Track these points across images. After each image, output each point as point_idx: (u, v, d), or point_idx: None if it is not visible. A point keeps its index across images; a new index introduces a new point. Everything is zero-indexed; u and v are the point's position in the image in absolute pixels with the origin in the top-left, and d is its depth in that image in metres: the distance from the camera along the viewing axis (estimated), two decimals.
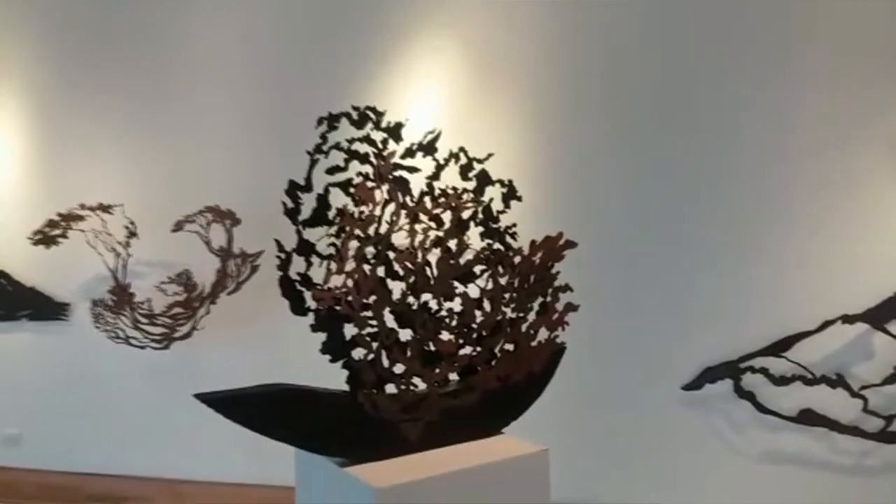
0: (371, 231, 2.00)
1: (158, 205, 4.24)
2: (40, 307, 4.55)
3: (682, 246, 3.69)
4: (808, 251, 3.51)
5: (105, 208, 4.15)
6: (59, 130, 4.66)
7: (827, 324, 3.40)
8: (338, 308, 1.87)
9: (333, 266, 1.94)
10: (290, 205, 1.95)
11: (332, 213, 2.03)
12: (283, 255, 1.93)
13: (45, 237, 4.20)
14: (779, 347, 3.51)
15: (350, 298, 1.87)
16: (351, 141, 2.07)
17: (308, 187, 1.97)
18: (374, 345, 1.92)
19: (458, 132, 4.00)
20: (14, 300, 4.60)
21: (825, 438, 3.46)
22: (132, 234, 4.13)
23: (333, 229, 2.00)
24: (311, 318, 1.91)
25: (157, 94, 4.42)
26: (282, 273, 1.90)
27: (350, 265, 1.93)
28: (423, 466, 1.81)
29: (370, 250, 1.98)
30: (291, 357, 4.12)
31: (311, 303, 1.94)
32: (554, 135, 3.91)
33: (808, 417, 3.45)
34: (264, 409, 1.82)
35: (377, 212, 2.02)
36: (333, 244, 1.98)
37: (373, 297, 1.93)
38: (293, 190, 1.96)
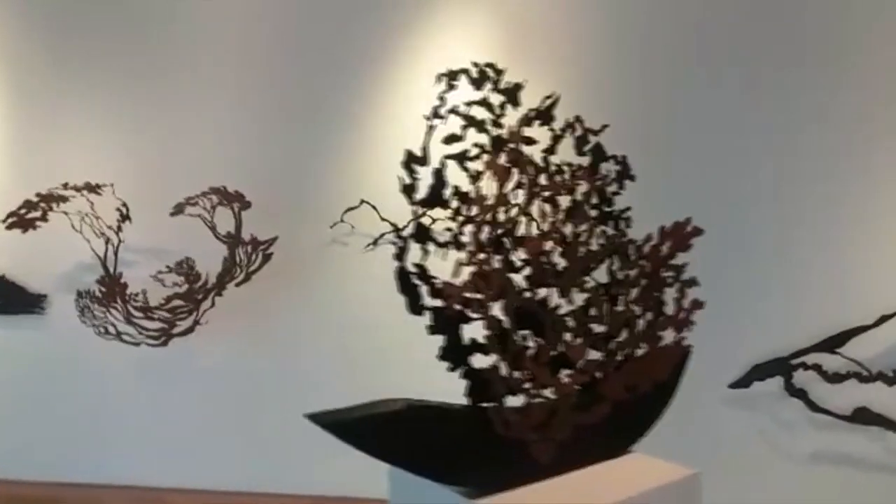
0: (495, 215, 1.65)
1: (154, 185, 3.81)
2: (11, 299, 4.04)
3: (729, 236, 3.48)
4: (865, 241, 3.35)
5: (93, 188, 3.69)
6: (37, 103, 4.14)
7: (884, 318, 3.25)
8: (463, 307, 1.54)
9: (460, 256, 1.60)
10: (407, 180, 1.61)
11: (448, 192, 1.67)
12: (399, 242, 1.58)
13: (21, 220, 3.71)
14: (833, 343, 3.35)
15: (477, 295, 1.54)
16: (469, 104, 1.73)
17: (425, 159, 1.63)
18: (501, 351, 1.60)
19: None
20: None
21: (880, 438, 3.32)
22: (125, 218, 3.68)
23: (449, 212, 1.65)
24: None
25: (154, 67, 3.97)
26: (399, 264, 1.56)
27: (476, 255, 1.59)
28: (570, 500, 1.51)
29: (495, 238, 1.65)
30: (305, 355, 3.77)
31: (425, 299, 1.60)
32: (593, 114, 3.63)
33: (862, 416, 3.29)
34: (389, 431, 1.49)
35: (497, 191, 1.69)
36: (449, 229, 1.64)
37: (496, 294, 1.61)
38: (410, 162, 1.62)
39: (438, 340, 3.48)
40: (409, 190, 1.61)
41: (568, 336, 1.73)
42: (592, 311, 1.77)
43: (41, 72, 4.15)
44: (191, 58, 3.94)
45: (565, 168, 1.83)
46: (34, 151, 4.09)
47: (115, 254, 3.68)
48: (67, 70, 4.11)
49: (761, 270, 3.43)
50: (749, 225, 3.46)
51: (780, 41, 3.38)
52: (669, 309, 1.88)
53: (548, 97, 1.84)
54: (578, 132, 1.89)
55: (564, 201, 1.82)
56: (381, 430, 1.48)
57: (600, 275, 1.86)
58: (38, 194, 3.72)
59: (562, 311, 1.75)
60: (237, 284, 3.59)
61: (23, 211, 3.71)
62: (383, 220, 3.66)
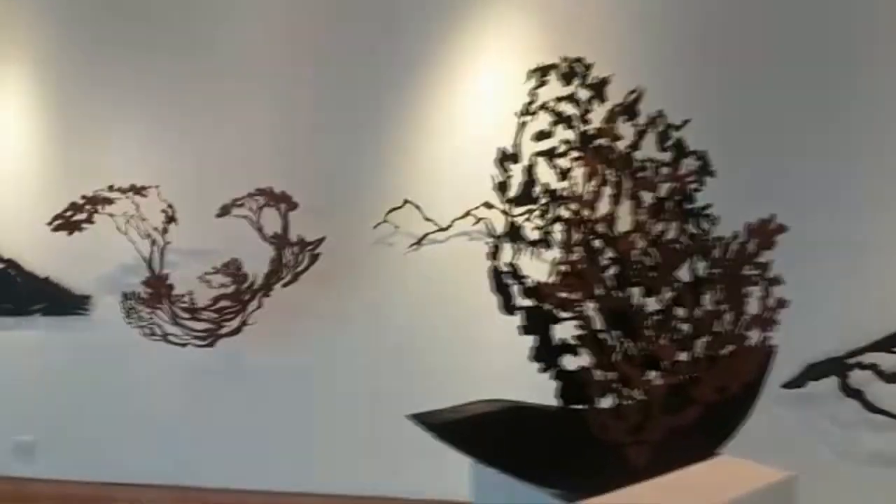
0: (587, 213, 1.63)
1: (200, 187, 3.81)
2: (56, 300, 4.06)
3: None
4: None
5: (138, 190, 3.69)
6: (82, 106, 4.16)
7: None
8: (558, 307, 1.52)
9: (550, 255, 1.58)
10: (501, 177, 1.59)
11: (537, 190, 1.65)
12: (493, 241, 1.56)
13: (67, 222, 3.73)
14: (890, 342, 3.28)
15: (573, 295, 1.52)
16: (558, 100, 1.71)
17: (517, 157, 1.61)
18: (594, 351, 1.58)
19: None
20: (25, 293, 4.10)
21: None
22: (171, 219, 3.68)
23: (538, 210, 1.62)
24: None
25: (199, 68, 3.96)
26: (493, 263, 1.54)
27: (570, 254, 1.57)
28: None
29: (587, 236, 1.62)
30: (351, 356, 3.76)
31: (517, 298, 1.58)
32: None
33: None
34: (489, 433, 1.47)
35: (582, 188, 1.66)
36: (539, 228, 1.62)
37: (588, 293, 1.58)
38: (503, 160, 1.60)
39: (484, 340, 3.46)
40: (502, 188, 1.59)
41: (657, 336, 1.69)
42: (679, 311, 1.74)
43: (85, 74, 4.16)
44: (236, 59, 3.93)
45: (649, 164, 1.80)
46: (78, 154, 4.11)
47: (161, 255, 3.68)
48: (111, 72, 4.12)
49: (816, 267, 3.37)
50: (804, 220, 3.39)
51: (857, 39, 3.31)
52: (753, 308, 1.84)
53: (632, 92, 1.81)
54: (660, 127, 1.86)
55: (648, 198, 1.79)
56: (481, 431, 1.46)
57: (682, 273, 1.83)
58: (83, 196, 3.74)
59: (649, 310, 1.72)
60: (284, 285, 3.57)
61: (68, 213, 3.73)
62: (427, 219, 3.64)
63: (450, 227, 3.63)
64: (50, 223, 3.74)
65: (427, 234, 3.66)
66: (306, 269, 3.56)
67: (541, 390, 3.23)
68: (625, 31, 3.57)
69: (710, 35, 3.46)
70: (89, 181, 3.81)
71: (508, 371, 3.46)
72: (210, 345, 3.63)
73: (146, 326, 3.64)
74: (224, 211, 3.55)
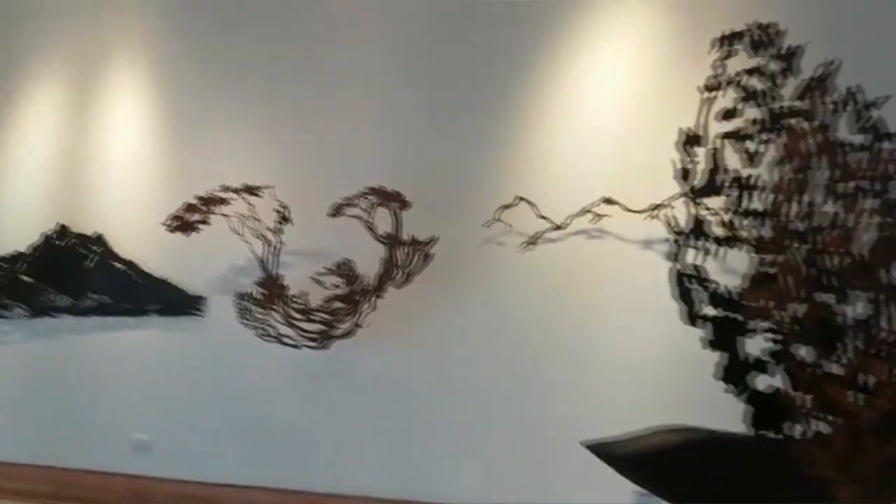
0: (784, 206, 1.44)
1: (311, 187, 3.79)
2: (172, 301, 4.13)
3: None
4: None
5: (252, 190, 3.70)
6: (196, 108, 4.23)
7: None
8: (756, 317, 1.33)
9: (742, 256, 1.40)
10: (684, 164, 1.42)
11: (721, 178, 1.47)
12: (676, 239, 1.40)
13: (183, 223, 3.78)
14: None
15: (770, 303, 1.33)
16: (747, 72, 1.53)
17: (699, 138, 1.44)
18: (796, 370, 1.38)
19: (649, 97, 3.49)
20: (142, 293, 4.19)
21: None
22: (284, 220, 3.67)
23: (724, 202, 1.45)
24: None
25: (310, 66, 3.96)
26: (674, 265, 1.38)
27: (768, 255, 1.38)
28: None
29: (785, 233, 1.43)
30: (462, 359, 3.64)
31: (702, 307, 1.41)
32: None
33: None
34: (677, 466, 1.30)
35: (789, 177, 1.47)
36: (724, 223, 1.44)
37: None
38: (687, 143, 1.43)
39: (603, 344, 3.25)
40: (684, 175, 1.42)
41: (865, 351, 1.48)
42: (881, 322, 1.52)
43: (198, 76, 4.24)
44: (348, 57, 3.91)
45: (847, 148, 1.59)
46: (193, 155, 4.18)
47: (276, 255, 3.68)
48: (225, 74, 4.18)
49: None
50: None
51: None
52: None
53: (829, 63, 1.61)
54: (858, 104, 1.64)
55: (849, 188, 1.58)
56: (664, 465, 1.29)
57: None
58: (198, 197, 3.78)
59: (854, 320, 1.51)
60: (398, 286, 3.50)
61: (184, 214, 3.78)
62: (541, 217, 3.49)
63: (566, 225, 3.47)
64: (166, 224, 3.80)
65: (541, 233, 3.51)
66: (419, 269, 3.48)
67: (667, 403, 3.04)
68: None
69: None
70: (204, 182, 3.85)
71: (630, 377, 3.29)
72: (324, 347, 3.60)
73: (260, 327, 3.64)
74: (336, 210, 3.52)
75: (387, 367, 3.67)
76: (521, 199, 3.53)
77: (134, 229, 4.24)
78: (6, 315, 4.46)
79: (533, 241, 3.52)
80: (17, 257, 4.46)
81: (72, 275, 4.30)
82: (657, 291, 3.22)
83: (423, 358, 3.63)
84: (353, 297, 3.53)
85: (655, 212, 3.30)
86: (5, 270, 4.45)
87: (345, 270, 3.53)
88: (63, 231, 4.37)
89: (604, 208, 3.40)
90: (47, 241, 4.40)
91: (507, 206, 3.54)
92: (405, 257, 3.48)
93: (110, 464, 4.24)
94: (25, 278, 4.40)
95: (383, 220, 3.55)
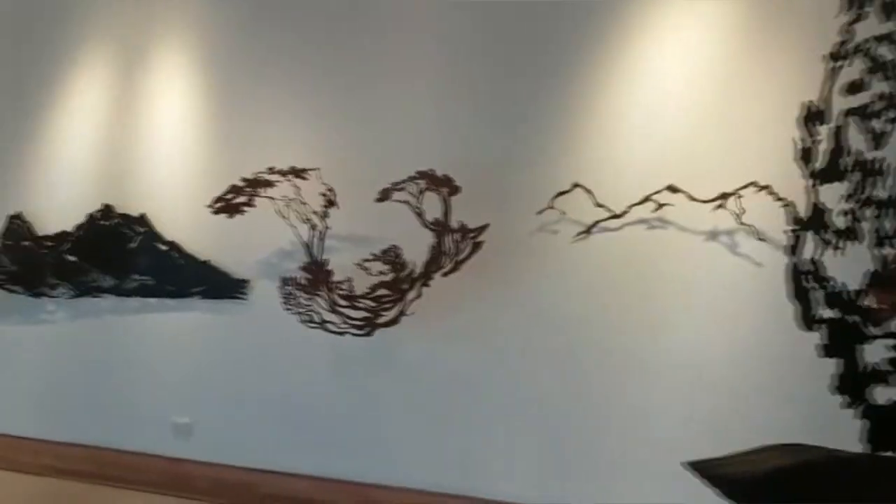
0: None
1: (358, 170, 3.68)
2: (215, 284, 4.07)
3: None
4: None
5: (298, 173, 3.60)
6: (239, 85, 4.14)
7: None
8: (874, 321, 1.16)
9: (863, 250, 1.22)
10: (805, 143, 1.24)
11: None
12: (795, 231, 1.22)
13: (228, 205, 3.71)
14: None
15: None
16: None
17: (823, 114, 1.26)
18: None
19: (720, 85, 3.26)
20: (186, 275, 4.14)
21: None
22: (330, 203, 3.56)
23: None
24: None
25: (359, 48, 3.83)
26: (791, 259, 1.21)
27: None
28: None
29: None
30: (509, 351, 3.49)
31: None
32: None
33: None
34: (795, 490, 1.14)
35: None
36: (847, 212, 1.27)
37: None
38: (809, 120, 1.25)
39: (662, 343, 3.07)
40: (806, 157, 1.24)
41: None
42: None
43: (245, 56, 4.14)
44: (397, 37, 3.77)
45: None
46: (238, 136, 4.09)
47: (322, 240, 3.58)
48: (272, 54, 4.07)
49: None
50: None
51: None
52: None
53: None
54: None
55: None
56: (780, 489, 1.13)
57: None
58: (243, 179, 3.70)
59: None
60: (444, 274, 3.37)
61: (229, 196, 3.71)
62: (599, 205, 3.31)
63: (625, 213, 3.29)
64: (211, 206, 3.73)
65: (598, 222, 3.33)
66: (468, 257, 3.34)
67: (749, 416, 2.85)
68: None
69: None
70: (249, 164, 3.77)
71: (702, 384, 3.11)
72: (368, 334, 3.50)
73: (304, 313, 3.56)
74: (384, 195, 3.40)
75: (432, 356, 3.55)
76: (578, 185, 3.36)
77: (178, 211, 4.18)
78: (51, 294, 4.45)
79: (589, 230, 3.35)
80: (61, 236, 4.44)
81: (116, 255, 4.26)
82: (732, 289, 3.05)
83: (469, 349, 3.50)
84: (398, 284, 3.42)
85: (724, 201, 3.10)
86: (50, 249, 4.43)
87: (391, 257, 3.42)
88: (107, 211, 4.33)
89: (667, 196, 3.21)
90: (91, 220, 4.36)
91: (562, 193, 3.37)
92: (454, 245, 3.34)
93: (150, 446, 4.22)
94: (70, 258, 4.38)
95: (431, 206, 3.41)
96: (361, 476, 3.74)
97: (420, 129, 3.64)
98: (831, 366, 1.54)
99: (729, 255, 3.12)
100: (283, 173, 3.58)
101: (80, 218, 4.43)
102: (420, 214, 3.39)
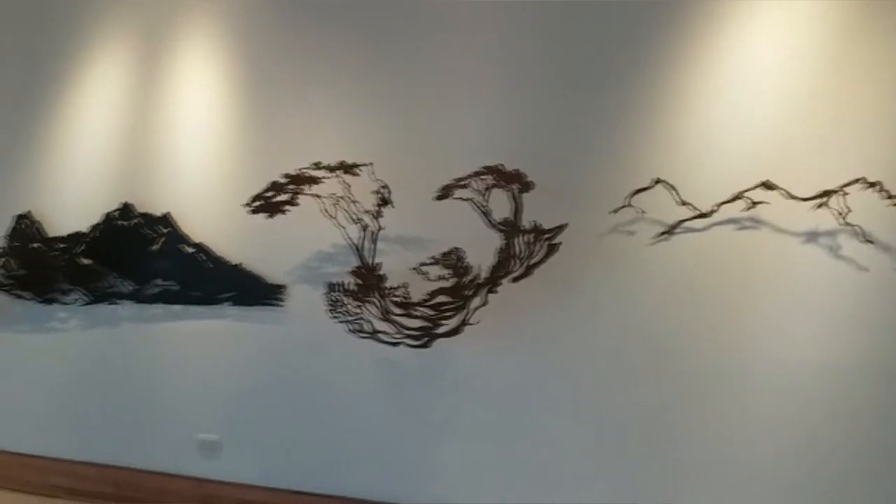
0: None
1: (416, 165, 3.36)
2: (247, 289, 3.73)
3: None
4: None
5: (348, 168, 3.27)
6: (278, 72, 3.80)
7: None
8: None
9: None
10: None
11: None
12: None
13: (267, 204, 3.39)
14: None
15: None
16: None
17: None
18: None
19: (822, 64, 2.97)
20: (215, 280, 3.79)
21: None
22: (384, 202, 3.24)
23: None
24: None
25: (417, 30, 3.50)
26: None
27: None
28: None
29: None
30: (579, 363, 3.18)
31: None
32: None
33: None
34: None
35: None
36: None
37: None
38: None
39: (753, 354, 2.76)
40: None
41: None
42: None
43: (290, 39, 3.80)
44: (460, 21, 3.45)
45: None
46: (280, 128, 3.76)
47: (374, 242, 3.26)
48: (320, 38, 3.74)
49: None
50: None
51: None
52: None
53: None
54: None
55: None
56: None
57: None
58: (285, 175, 3.37)
59: None
60: (514, 280, 3.06)
61: (269, 194, 3.38)
62: (683, 203, 3.02)
63: (713, 212, 3.00)
64: (248, 205, 3.40)
65: (681, 221, 3.04)
66: (542, 261, 3.03)
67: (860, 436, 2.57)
68: None
69: None
70: (292, 158, 3.45)
71: (785, 402, 2.83)
72: (425, 345, 3.18)
73: (353, 321, 3.24)
74: (445, 192, 3.08)
75: (498, 371, 3.24)
76: (660, 181, 3.06)
77: (206, 210, 3.84)
78: (63, 300, 4.09)
79: (671, 230, 3.05)
80: (75, 237, 4.08)
81: (136, 258, 3.92)
82: (833, 297, 2.77)
83: (540, 363, 3.19)
84: (461, 290, 3.10)
85: (826, 199, 2.82)
86: (62, 251, 4.07)
87: (453, 260, 3.10)
88: (127, 210, 3.97)
89: (760, 193, 2.93)
90: (108, 220, 4.01)
91: (641, 190, 3.07)
92: (525, 247, 3.03)
93: (175, 465, 3.88)
94: (84, 261, 4.02)
95: (501, 204, 3.10)
96: (409, 500, 3.42)
97: (486, 118, 3.33)
98: None
99: (830, 260, 2.85)
100: (331, 169, 3.25)
101: (95, 217, 4.08)
102: (486, 213, 3.07)
